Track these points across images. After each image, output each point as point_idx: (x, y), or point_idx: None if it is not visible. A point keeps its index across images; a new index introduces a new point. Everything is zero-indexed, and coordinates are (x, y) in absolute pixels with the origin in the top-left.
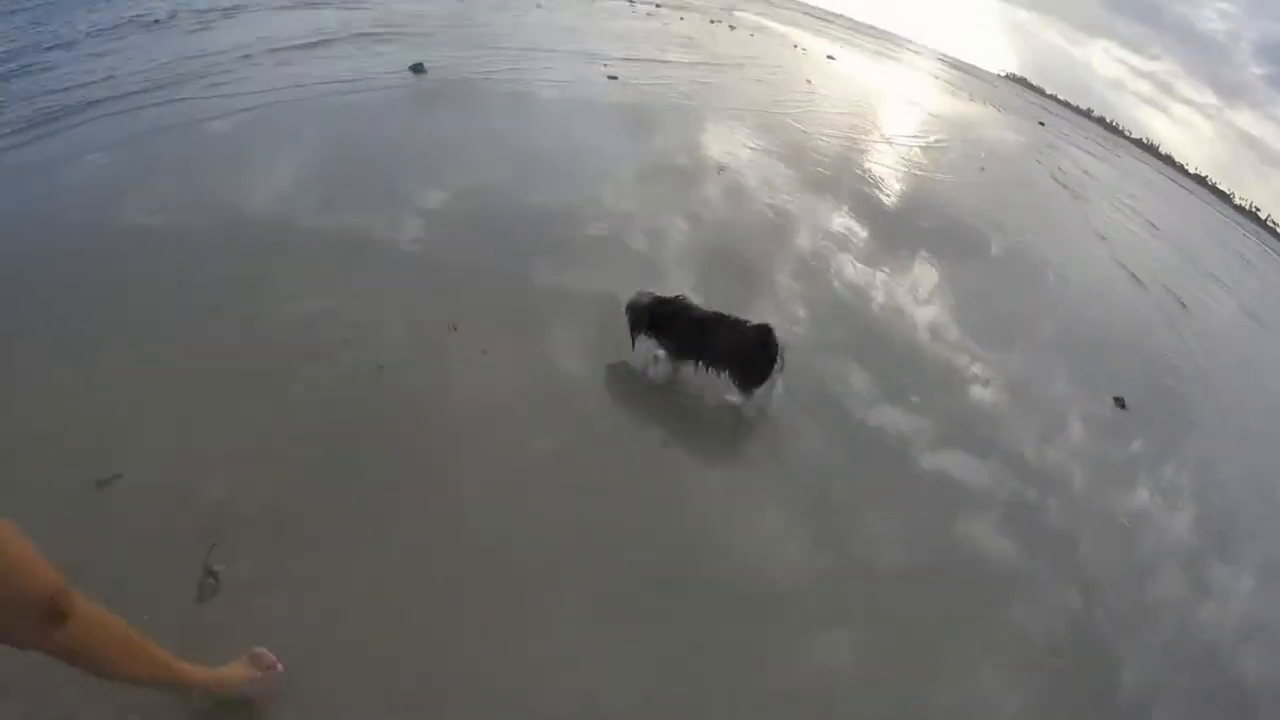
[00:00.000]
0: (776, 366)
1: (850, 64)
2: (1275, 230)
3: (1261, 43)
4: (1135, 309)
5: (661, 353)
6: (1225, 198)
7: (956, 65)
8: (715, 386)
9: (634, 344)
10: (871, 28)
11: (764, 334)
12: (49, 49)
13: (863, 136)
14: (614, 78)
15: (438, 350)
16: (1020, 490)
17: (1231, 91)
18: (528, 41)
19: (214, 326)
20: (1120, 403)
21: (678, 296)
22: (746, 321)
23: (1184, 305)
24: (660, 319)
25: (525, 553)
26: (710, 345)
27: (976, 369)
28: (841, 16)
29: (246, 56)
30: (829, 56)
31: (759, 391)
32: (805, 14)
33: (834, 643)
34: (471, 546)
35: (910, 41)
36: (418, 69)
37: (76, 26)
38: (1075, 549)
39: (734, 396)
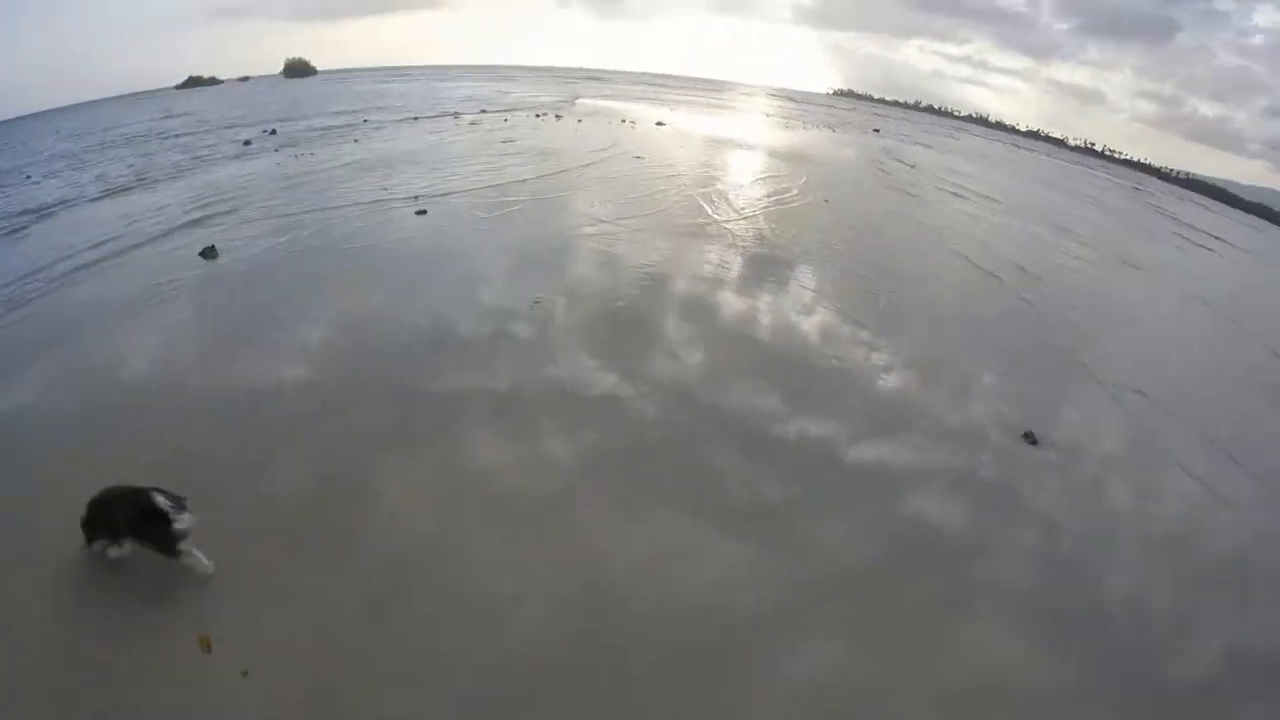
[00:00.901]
0: (177, 524)
1: (683, 125)
2: (1114, 157)
3: (1060, 1)
4: (985, 292)
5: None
6: (1060, 143)
7: (788, 96)
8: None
9: (88, 544)
10: (702, 80)
11: (144, 501)
12: None
13: (703, 197)
14: (423, 212)
15: (182, 685)
16: (948, 459)
17: (1043, 51)
18: (335, 196)
19: None
20: (1031, 438)
21: (104, 490)
22: (140, 491)
23: (1031, 275)
24: (93, 516)
25: None
26: (120, 524)
27: (873, 360)
28: (672, 77)
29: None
30: (658, 123)
31: (183, 548)
32: (636, 83)
33: (819, 652)
34: None
35: (740, 85)
36: (208, 254)
37: None
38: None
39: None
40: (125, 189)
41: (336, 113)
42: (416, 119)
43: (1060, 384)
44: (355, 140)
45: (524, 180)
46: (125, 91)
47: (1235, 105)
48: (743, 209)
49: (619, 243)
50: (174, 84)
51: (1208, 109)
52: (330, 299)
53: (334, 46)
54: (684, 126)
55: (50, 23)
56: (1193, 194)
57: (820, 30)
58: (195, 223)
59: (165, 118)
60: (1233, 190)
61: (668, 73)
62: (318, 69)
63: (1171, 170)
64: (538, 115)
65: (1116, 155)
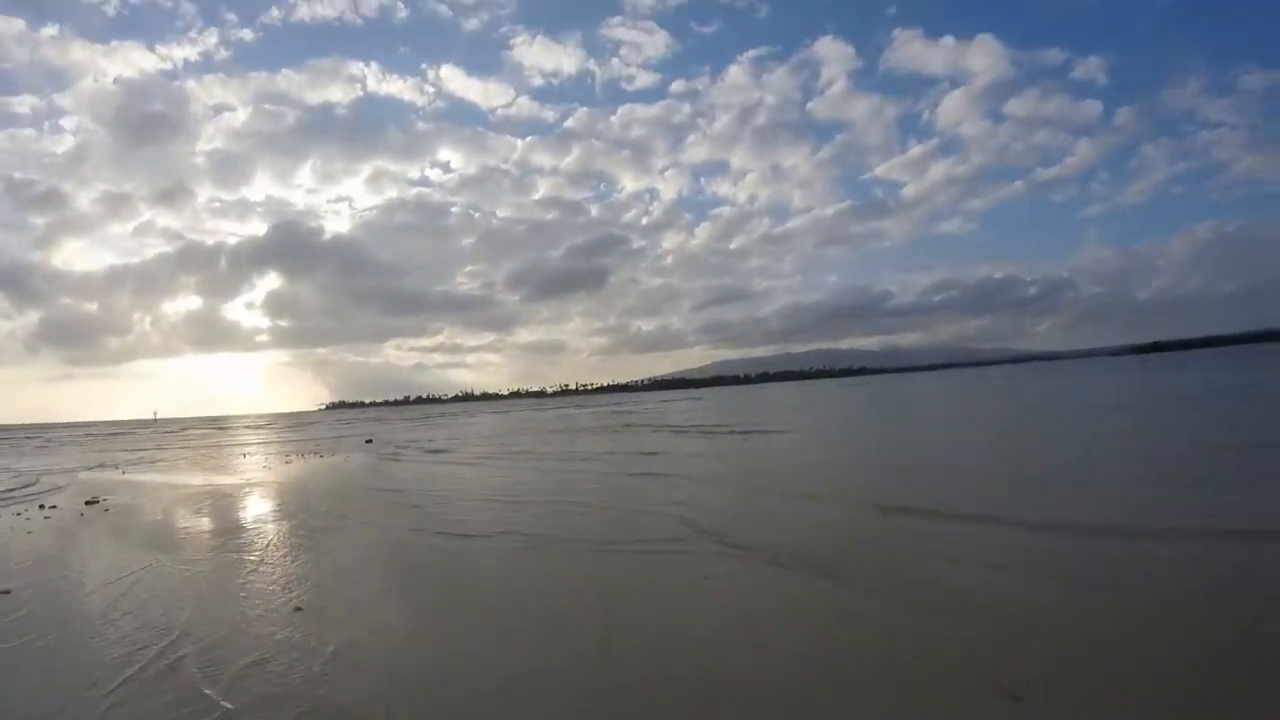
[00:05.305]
0: None
1: (126, 501)
2: (584, 389)
3: (508, 279)
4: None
5: None
6: (540, 394)
7: (282, 421)
8: None
9: None
10: (200, 419)
11: None
12: None
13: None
14: None
15: None
16: None
17: (504, 322)
18: None
19: None
20: None
21: None
22: None
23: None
24: None
25: None
26: None
27: None
28: (148, 424)
29: None
30: (88, 502)
31: None
32: (90, 433)
33: None
34: None
35: (236, 417)
36: None
37: None
38: None
39: None
40: None
41: None
42: None
43: None
44: None
45: None
46: None
47: (669, 314)
48: None
49: None
50: None
51: (648, 324)
52: None
53: None
54: (128, 504)
55: None
56: (663, 392)
57: (301, 349)
58: None
59: None
60: (690, 377)
61: (166, 416)
62: None
63: (637, 381)
64: None
65: (589, 387)
